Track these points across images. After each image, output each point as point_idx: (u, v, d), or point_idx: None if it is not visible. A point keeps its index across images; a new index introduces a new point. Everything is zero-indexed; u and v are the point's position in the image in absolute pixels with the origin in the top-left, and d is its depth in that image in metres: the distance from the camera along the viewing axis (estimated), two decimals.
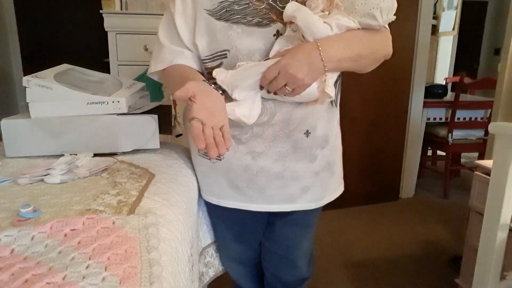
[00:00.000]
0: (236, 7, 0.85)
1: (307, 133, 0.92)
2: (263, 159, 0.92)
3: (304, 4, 0.84)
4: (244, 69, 0.81)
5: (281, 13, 0.85)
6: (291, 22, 0.82)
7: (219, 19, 0.85)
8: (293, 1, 0.81)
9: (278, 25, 0.86)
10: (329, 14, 0.83)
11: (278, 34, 0.86)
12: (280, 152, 0.92)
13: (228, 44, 0.86)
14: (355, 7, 0.81)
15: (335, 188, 1.06)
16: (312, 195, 0.99)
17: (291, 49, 0.80)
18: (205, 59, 0.89)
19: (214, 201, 1.02)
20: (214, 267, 1.13)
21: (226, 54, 0.86)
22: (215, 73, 0.82)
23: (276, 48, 0.84)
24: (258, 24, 0.85)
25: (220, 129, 0.69)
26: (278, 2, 0.86)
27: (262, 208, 0.98)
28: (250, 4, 0.85)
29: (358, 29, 0.83)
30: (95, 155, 1.00)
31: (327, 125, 0.96)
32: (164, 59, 0.91)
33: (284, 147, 0.92)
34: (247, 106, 0.82)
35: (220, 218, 1.08)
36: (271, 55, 0.84)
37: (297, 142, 0.92)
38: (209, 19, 0.86)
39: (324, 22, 0.80)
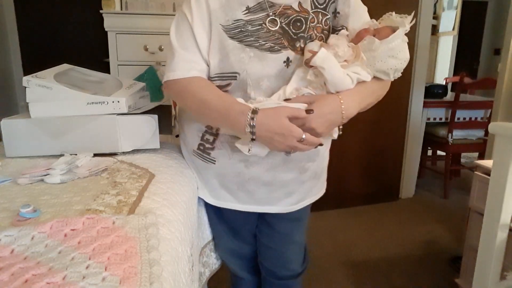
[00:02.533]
0: (249, 27, 0.86)
1: None
2: (255, 168, 0.95)
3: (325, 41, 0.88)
4: None
5: (293, 39, 0.87)
6: (313, 65, 0.83)
7: (232, 37, 0.86)
8: (322, 49, 0.82)
9: (289, 52, 0.87)
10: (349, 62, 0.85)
11: (288, 61, 0.87)
12: (271, 163, 0.94)
13: (239, 67, 0.86)
14: (375, 62, 0.85)
15: (316, 191, 1.10)
16: (294, 198, 1.03)
17: (316, 103, 0.82)
18: (214, 77, 0.89)
19: (208, 199, 1.05)
20: (209, 266, 1.14)
21: (236, 76, 0.87)
22: None
23: (293, 85, 0.85)
24: (270, 50, 0.86)
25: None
26: (291, 27, 0.87)
27: (249, 208, 1.02)
28: (264, 25, 0.86)
29: None
30: (95, 155, 1.00)
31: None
32: (177, 67, 0.87)
33: (275, 159, 0.94)
34: (260, 144, 0.84)
35: (216, 214, 1.11)
36: (287, 91, 0.84)
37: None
38: (223, 36, 0.86)
39: (347, 74, 0.83)
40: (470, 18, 5.04)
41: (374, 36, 0.85)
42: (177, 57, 0.88)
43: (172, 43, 0.89)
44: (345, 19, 0.92)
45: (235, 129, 0.85)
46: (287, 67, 0.87)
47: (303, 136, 0.79)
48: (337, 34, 0.92)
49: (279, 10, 0.87)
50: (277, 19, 0.87)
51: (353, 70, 0.84)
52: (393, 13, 0.89)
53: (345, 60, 0.83)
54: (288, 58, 0.87)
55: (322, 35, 0.90)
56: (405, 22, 0.85)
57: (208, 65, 0.89)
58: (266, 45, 0.86)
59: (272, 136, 0.80)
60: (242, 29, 0.86)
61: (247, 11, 0.86)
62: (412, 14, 0.86)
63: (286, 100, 0.83)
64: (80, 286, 0.48)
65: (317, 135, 0.82)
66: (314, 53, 0.82)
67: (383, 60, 0.85)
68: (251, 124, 0.79)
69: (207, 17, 0.87)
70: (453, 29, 4.18)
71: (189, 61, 0.88)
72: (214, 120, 0.90)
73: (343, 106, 0.83)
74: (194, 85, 0.87)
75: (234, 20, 0.86)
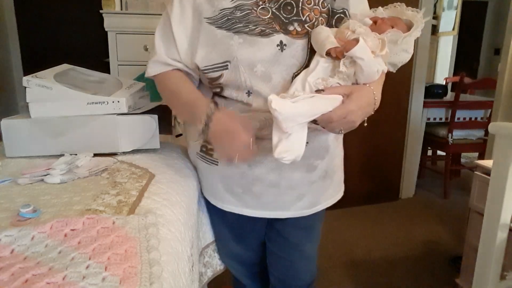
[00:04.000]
0: (238, 13, 0.83)
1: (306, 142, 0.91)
2: (259, 168, 0.92)
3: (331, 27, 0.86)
4: (307, 105, 0.75)
5: (285, 23, 0.84)
6: (342, 56, 0.79)
7: (219, 27, 0.83)
8: (361, 39, 0.77)
9: (282, 36, 0.84)
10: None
11: (282, 45, 0.84)
12: (276, 161, 0.90)
13: (229, 55, 0.84)
14: (390, 55, 0.84)
15: (332, 194, 1.05)
16: (306, 202, 0.98)
17: (355, 94, 0.79)
18: (204, 69, 0.87)
19: (212, 201, 1.03)
20: (212, 267, 1.13)
21: (227, 65, 0.84)
22: (274, 103, 0.71)
23: (318, 75, 0.80)
24: (261, 34, 0.83)
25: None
26: (281, 12, 0.85)
27: (257, 214, 0.98)
28: (253, 10, 0.84)
29: None
30: (95, 155, 1.00)
31: (327, 134, 0.94)
32: (153, 65, 0.92)
33: None
34: (299, 142, 0.78)
35: (220, 217, 1.08)
36: (311, 81, 0.79)
37: None
38: (210, 29, 0.84)
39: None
40: (470, 18, 5.04)
41: (392, 27, 0.84)
42: (155, 57, 0.91)
43: (154, 40, 0.91)
44: (345, 1, 0.90)
45: (195, 119, 0.85)
46: (282, 51, 0.85)
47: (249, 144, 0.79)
48: (343, 18, 0.89)
49: None
50: (267, 5, 0.84)
51: (378, 62, 0.81)
52: (403, 4, 0.88)
53: (372, 52, 0.80)
54: (281, 42, 0.84)
55: (321, 17, 0.88)
56: (418, 17, 0.85)
57: (185, 64, 0.90)
58: (256, 29, 0.83)
59: (221, 134, 0.81)
60: (229, 17, 0.83)
61: None
62: (424, 9, 0.86)
63: (318, 91, 0.78)
64: (80, 286, 0.48)
65: (353, 128, 0.83)
66: (349, 43, 0.78)
67: (398, 53, 0.84)
68: (209, 113, 0.81)
69: (191, 14, 0.86)
70: (453, 29, 4.18)
71: (165, 61, 0.90)
72: (181, 113, 0.94)
73: (376, 98, 0.83)
74: (169, 79, 0.91)
75: (220, 10, 0.84)
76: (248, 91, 0.86)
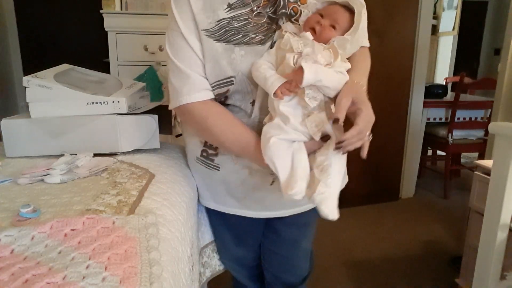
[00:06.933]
0: (235, 24, 0.81)
1: None
2: (260, 175, 0.91)
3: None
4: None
5: (279, 25, 0.83)
6: (297, 88, 0.74)
7: (218, 40, 0.80)
8: (304, 62, 0.72)
9: (277, 34, 0.82)
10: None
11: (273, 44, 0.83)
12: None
13: (233, 70, 0.81)
14: (346, 51, 0.80)
15: None
16: (306, 198, 0.97)
17: (366, 112, 0.80)
18: (211, 86, 0.85)
19: (212, 205, 1.02)
20: (211, 267, 1.13)
21: (232, 80, 0.82)
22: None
23: (296, 117, 0.76)
24: (261, 42, 0.82)
25: None
26: (278, 15, 0.84)
27: (259, 215, 0.98)
28: (250, 19, 0.82)
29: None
30: (95, 155, 1.00)
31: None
32: (190, 91, 0.83)
33: None
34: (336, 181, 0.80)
35: (220, 220, 1.07)
36: (295, 124, 0.76)
37: None
38: (209, 42, 0.81)
39: (339, 72, 0.77)
40: (470, 18, 5.03)
41: (333, 28, 0.78)
42: (188, 80, 0.83)
43: (174, 62, 0.84)
44: None
45: (254, 160, 0.86)
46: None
47: None
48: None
49: (262, 3, 0.83)
50: (263, 11, 0.83)
51: (338, 70, 0.76)
52: None
53: (327, 64, 0.75)
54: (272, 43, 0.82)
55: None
56: None
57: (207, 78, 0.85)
58: (256, 38, 0.81)
59: None
60: (227, 29, 0.81)
61: (229, 8, 0.82)
62: None
63: (325, 137, 0.76)
64: (80, 286, 0.48)
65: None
66: (296, 75, 0.72)
67: (353, 43, 0.80)
68: None
69: (193, 22, 0.82)
70: (453, 29, 4.17)
71: (201, 84, 0.83)
72: (232, 147, 0.88)
73: (364, 88, 0.82)
74: (211, 120, 0.84)
75: (217, 21, 0.80)
76: (253, 101, 0.85)
